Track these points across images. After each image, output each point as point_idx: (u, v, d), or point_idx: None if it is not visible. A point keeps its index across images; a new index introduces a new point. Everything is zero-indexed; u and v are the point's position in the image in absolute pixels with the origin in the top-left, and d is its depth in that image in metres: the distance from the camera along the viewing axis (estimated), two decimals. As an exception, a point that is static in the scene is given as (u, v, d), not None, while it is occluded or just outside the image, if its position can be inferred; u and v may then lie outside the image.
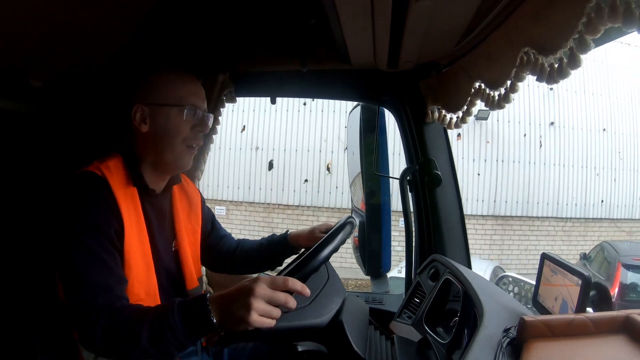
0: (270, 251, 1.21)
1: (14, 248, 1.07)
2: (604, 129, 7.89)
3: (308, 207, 8.13)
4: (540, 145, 7.72)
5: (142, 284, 0.91)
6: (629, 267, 4.76)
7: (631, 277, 4.71)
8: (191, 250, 1.08)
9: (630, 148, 7.96)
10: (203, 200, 1.19)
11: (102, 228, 0.84)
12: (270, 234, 1.28)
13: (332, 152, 8.03)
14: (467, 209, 7.67)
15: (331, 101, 7.29)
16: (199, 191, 1.21)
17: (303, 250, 1.18)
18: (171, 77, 0.96)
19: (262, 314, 0.73)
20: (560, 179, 7.81)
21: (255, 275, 1.24)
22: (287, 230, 1.23)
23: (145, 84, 0.95)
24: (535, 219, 7.83)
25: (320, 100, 7.37)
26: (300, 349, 0.93)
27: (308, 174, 8.07)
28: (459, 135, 7.53)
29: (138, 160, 0.96)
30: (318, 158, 8.08)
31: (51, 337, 0.97)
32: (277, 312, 0.75)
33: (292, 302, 0.76)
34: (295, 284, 0.77)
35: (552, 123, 7.75)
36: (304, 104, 8.03)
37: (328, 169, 7.97)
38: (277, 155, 8.16)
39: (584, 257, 6.15)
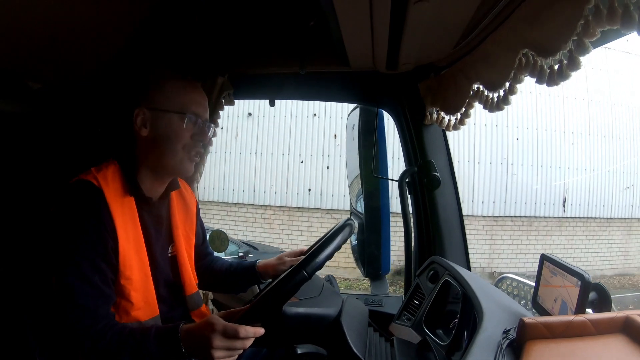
0: (237, 276, 1.20)
1: (12, 250, 1.07)
2: (314, 114, 7.33)
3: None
4: (237, 135, 7.40)
5: (140, 293, 0.91)
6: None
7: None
8: (188, 255, 1.07)
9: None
10: (198, 210, 1.18)
11: (96, 246, 0.84)
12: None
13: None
14: (207, 196, 7.44)
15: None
16: (196, 199, 1.21)
17: (270, 280, 1.16)
18: (176, 84, 0.96)
19: (224, 356, 0.80)
20: (257, 167, 7.41)
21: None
22: (257, 260, 1.21)
23: (148, 89, 0.95)
24: (264, 207, 7.49)
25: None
26: (299, 351, 0.93)
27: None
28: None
29: (136, 166, 0.95)
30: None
31: (49, 338, 0.96)
32: (238, 352, 0.81)
33: (248, 344, 0.81)
34: (247, 333, 0.79)
35: (249, 114, 7.38)
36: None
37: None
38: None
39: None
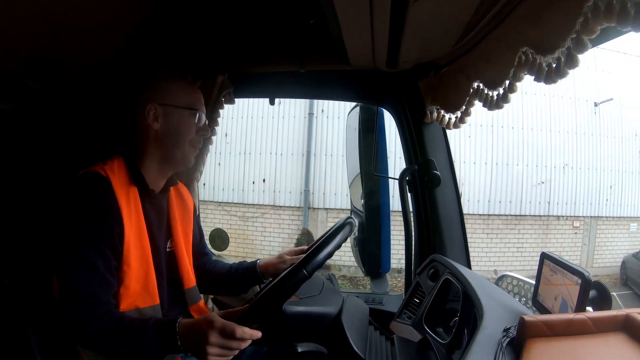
0: (238, 277, 1.20)
1: (14, 248, 1.07)
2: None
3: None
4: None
5: (140, 281, 0.93)
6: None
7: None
8: (186, 250, 1.09)
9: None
10: (195, 208, 1.20)
11: (103, 233, 0.87)
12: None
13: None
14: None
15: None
16: (192, 198, 1.22)
17: (271, 279, 1.16)
18: (183, 83, 1.03)
19: (218, 354, 0.81)
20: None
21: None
22: (258, 259, 1.21)
23: (159, 87, 0.99)
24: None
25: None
26: (300, 349, 0.93)
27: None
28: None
29: (142, 159, 0.99)
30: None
31: (50, 337, 0.97)
32: (232, 353, 0.82)
33: (244, 345, 0.81)
34: (244, 334, 0.80)
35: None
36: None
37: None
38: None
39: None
